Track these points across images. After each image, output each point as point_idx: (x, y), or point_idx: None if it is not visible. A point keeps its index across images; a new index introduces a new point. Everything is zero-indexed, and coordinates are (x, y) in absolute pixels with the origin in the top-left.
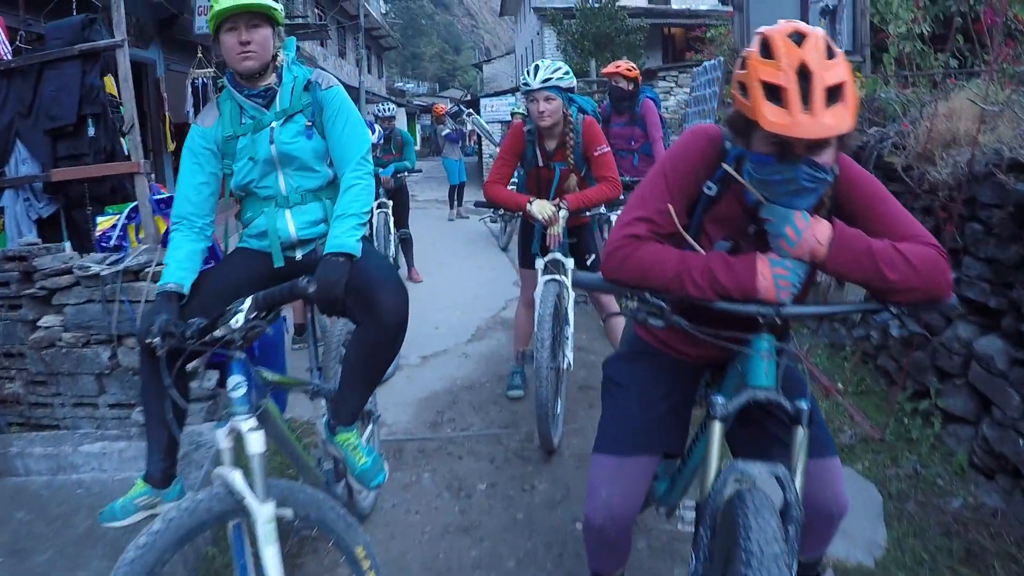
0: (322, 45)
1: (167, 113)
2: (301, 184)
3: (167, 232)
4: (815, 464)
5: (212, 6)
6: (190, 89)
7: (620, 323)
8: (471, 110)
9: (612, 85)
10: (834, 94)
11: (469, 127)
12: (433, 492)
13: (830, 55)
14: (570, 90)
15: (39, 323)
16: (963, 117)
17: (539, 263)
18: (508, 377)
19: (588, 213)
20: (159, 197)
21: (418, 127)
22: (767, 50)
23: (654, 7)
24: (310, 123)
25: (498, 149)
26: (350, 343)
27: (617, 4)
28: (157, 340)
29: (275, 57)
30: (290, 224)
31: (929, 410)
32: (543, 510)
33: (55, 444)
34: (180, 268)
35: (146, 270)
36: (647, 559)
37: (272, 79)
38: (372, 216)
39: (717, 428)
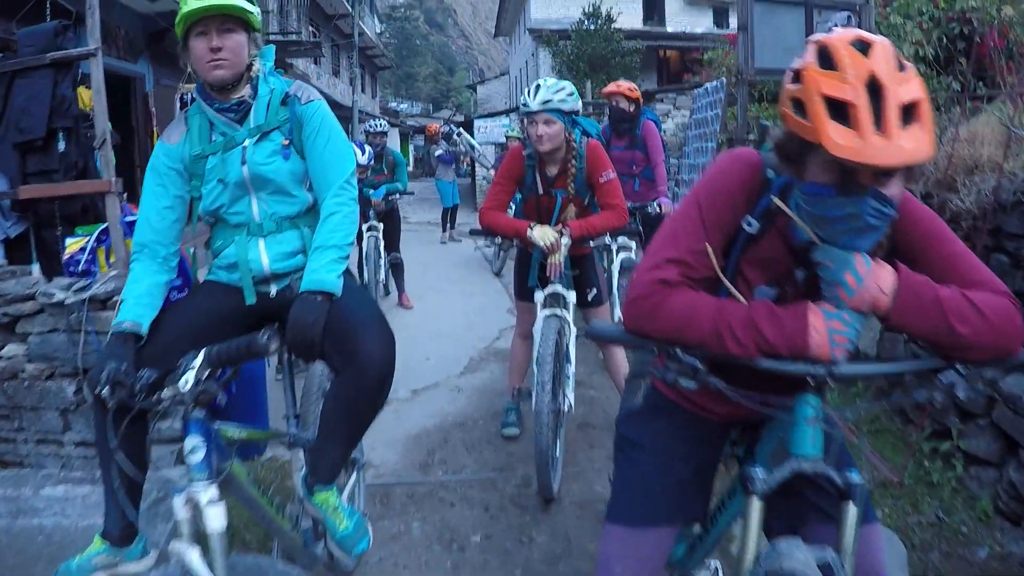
0: (316, 63)
1: (155, 129)
2: (276, 210)
3: None
4: None
5: (180, 7)
6: (179, 104)
7: (621, 356)
8: (460, 128)
9: (612, 106)
10: (909, 113)
11: (462, 148)
12: (423, 544)
13: (900, 67)
14: (574, 112)
15: (1, 352)
16: (986, 142)
17: (538, 296)
18: (503, 414)
19: (592, 243)
20: (132, 219)
21: (411, 147)
22: (828, 60)
23: (650, 29)
24: (287, 141)
25: (492, 171)
26: (328, 394)
27: (613, 26)
28: (106, 391)
29: (250, 67)
30: (263, 255)
31: (950, 452)
32: (542, 566)
33: (15, 485)
34: (139, 304)
35: (115, 298)
36: None
37: (246, 91)
38: (362, 240)
39: (757, 507)
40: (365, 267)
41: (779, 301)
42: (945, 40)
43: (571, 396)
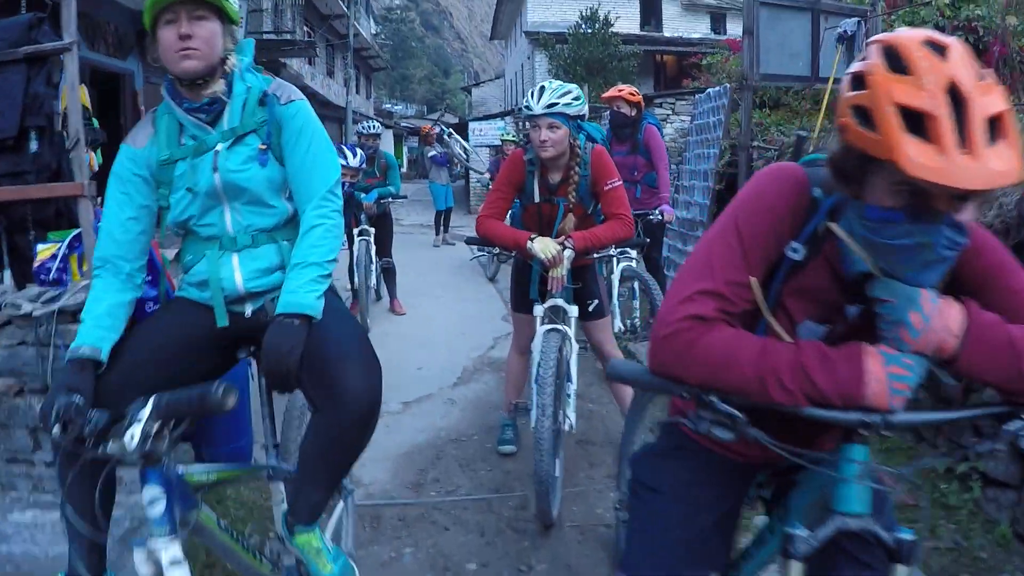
0: (310, 63)
1: None
2: (252, 222)
3: None
4: None
5: None
6: None
7: None
8: (450, 129)
9: (613, 111)
10: (994, 127)
11: (456, 149)
12: (415, 572)
13: (979, 74)
14: (579, 117)
15: None
16: None
17: (538, 310)
18: (499, 430)
19: (596, 255)
20: None
21: (405, 149)
22: (898, 63)
23: (646, 34)
24: (265, 146)
25: (486, 175)
26: (307, 430)
27: (610, 30)
28: (56, 430)
29: (224, 61)
30: (236, 272)
31: (967, 473)
32: None
33: None
34: (98, 327)
35: None
36: None
37: (219, 88)
38: (352, 244)
39: (798, 569)
40: (356, 272)
41: (828, 340)
42: None
43: (572, 416)
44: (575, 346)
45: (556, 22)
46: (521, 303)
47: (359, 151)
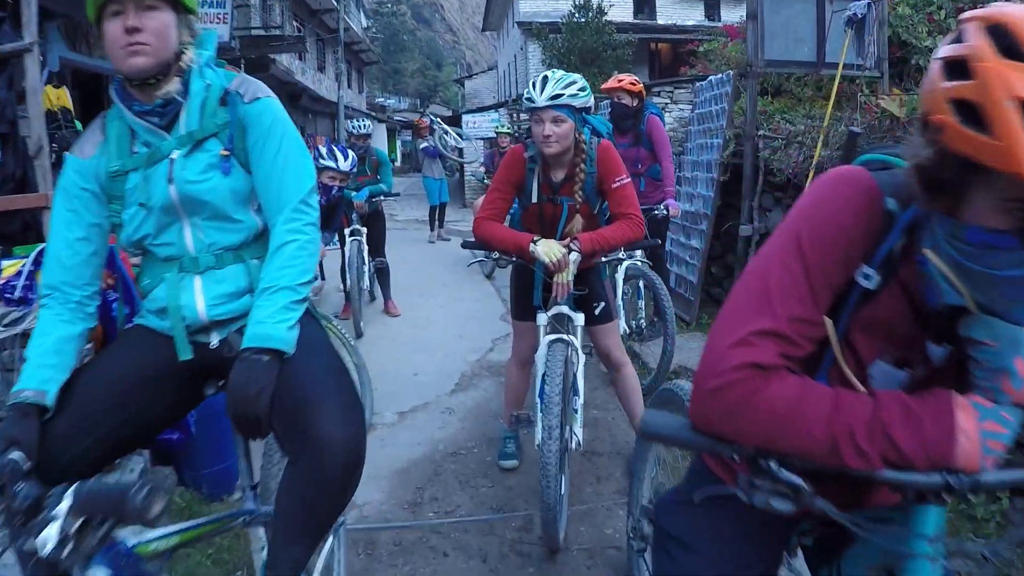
0: (300, 58)
1: None
2: (215, 239)
3: None
4: None
5: None
6: None
7: (632, 380)
8: (438, 119)
9: (614, 102)
10: None
11: (449, 141)
12: None
13: None
14: (585, 110)
15: None
16: None
17: (542, 318)
18: (499, 442)
19: (604, 258)
20: None
21: (399, 143)
22: (1013, 47)
23: (640, 22)
24: (227, 151)
25: (480, 168)
26: (282, 483)
27: (604, 19)
28: None
29: (180, 56)
30: (199, 298)
31: None
32: None
33: None
34: (44, 367)
35: None
36: None
37: (174, 87)
38: (344, 245)
39: None
40: (348, 274)
41: (906, 386)
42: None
43: (580, 432)
44: (582, 357)
45: (548, 11)
46: (522, 311)
47: (351, 153)
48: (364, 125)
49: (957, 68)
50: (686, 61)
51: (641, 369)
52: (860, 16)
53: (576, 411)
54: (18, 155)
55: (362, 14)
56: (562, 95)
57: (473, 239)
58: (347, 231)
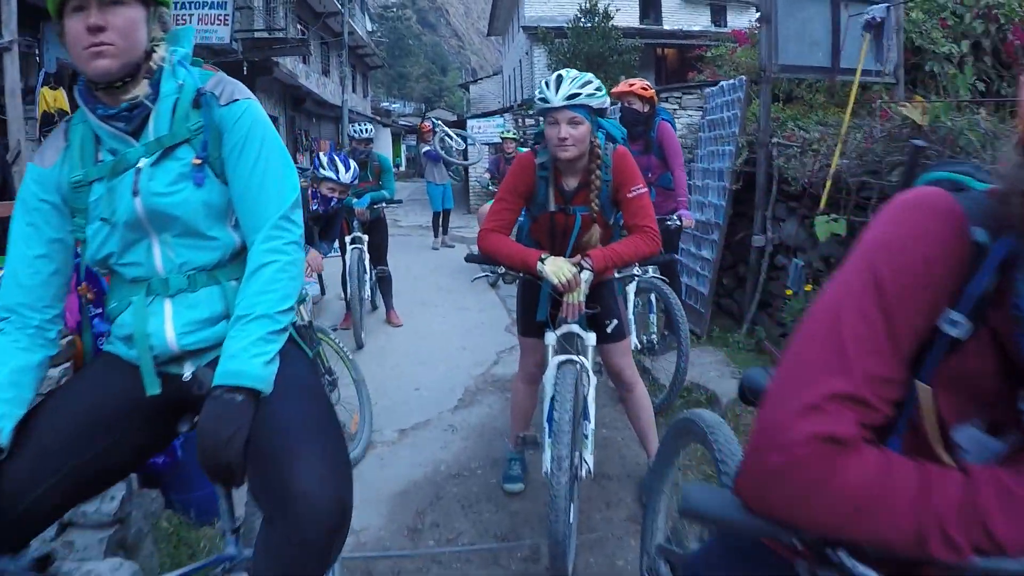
0: (304, 62)
1: None
2: (187, 259)
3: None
4: None
5: None
6: None
7: (644, 400)
8: (439, 120)
9: (624, 107)
10: None
11: (454, 145)
12: None
13: None
14: (601, 112)
15: None
16: None
17: (550, 338)
18: (504, 464)
19: (617, 275)
20: None
21: (403, 147)
22: None
23: (647, 27)
24: (200, 160)
25: (485, 173)
26: (258, 541)
27: (610, 23)
28: None
29: (150, 54)
30: (168, 325)
31: None
32: None
33: None
34: None
35: None
36: None
37: (142, 90)
38: (345, 253)
39: None
40: (348, 283)
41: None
42: (968, 37)
43: (590, 460)
44: (593, 379)
45: (554, 16)
46: (529, 327)
47: (352, 163)
48: (366, 129)
49: None
50: (693, 66)
51: (652, 385)
52: (879, 20)
53: (587, 437)
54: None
55: (367, 18)
56: (579, 94)
57: (477, 252)
58: (348, 238)
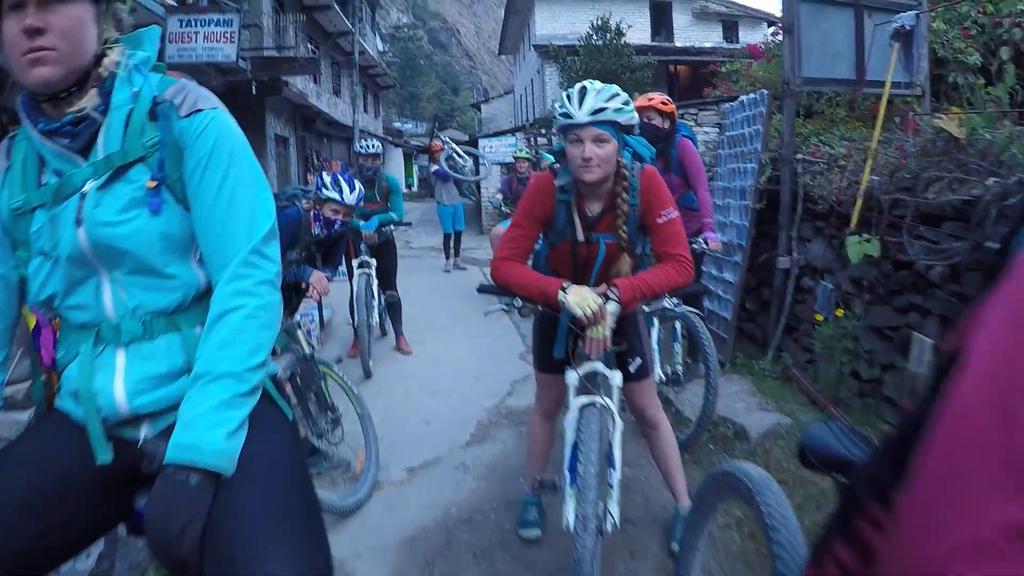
0: (315, 81)
1: None
2: (142, 301)
3: (37, 330)
4: None
5: None
6: None
7: (669, 439)
8: (447, 139)
9: (643, 123)
10: None
11: (460, 161)
12: None
13: None
14: (628, 128)
15: None
16: None
17: (571, 377)
18: (520, 507)
19: (646, 308)
20: None
21: (415, 167)
22: None
23: (658, 44)
24: (155, 182)
25: (497, 195)
26: None
27: (623, 40)
28: None
29: (100, 59)
30: (118, 382)
31: None
32: None
33: None
34: None
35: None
36: None
37: (90, 100)
38: (352, 277)
39: None
40: (356, 310)
41: None
42: (991, 47)
43: (616, 511)
44: (619, 423)
45: (565, 34)
46: (546, 363)
47: (356, 183)
48: (373, 144)
49: None
50: (706, 83)
51: (674, 418)
52: (908, 28)
53: (612, 486)
54: None
55: (378, 38)
56: (605, 109)
57: (490, 282)
58: (355, 262)
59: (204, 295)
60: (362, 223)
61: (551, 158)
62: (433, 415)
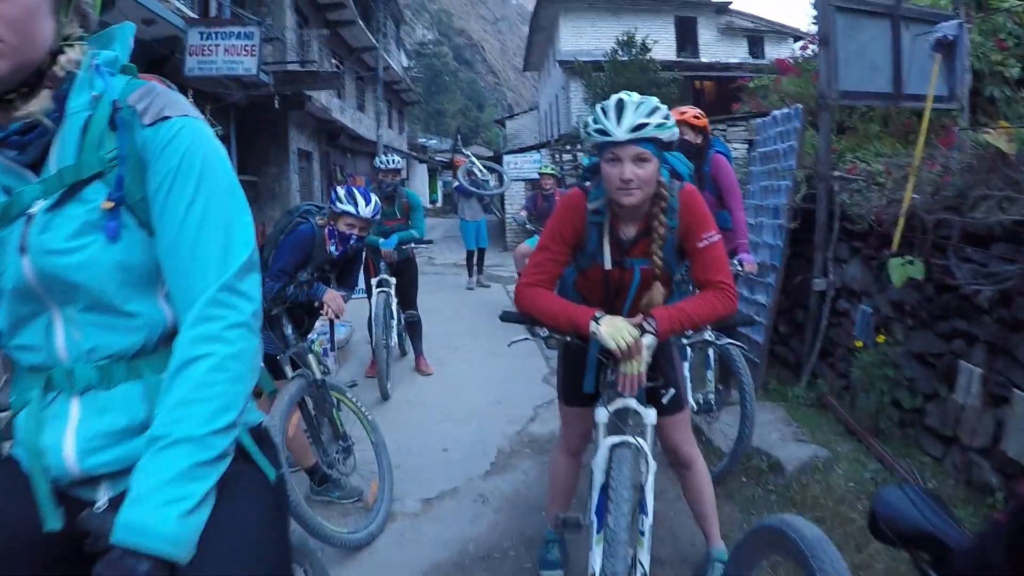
0: (339, 96)
1: None
2: (98, 343)
3: None
4: None
5: None
6: None
7: (704, 477)
8: (469, 153)
9: None
10: None
11: (480, 176)
12: None
13: None
14: (667, 145)
15: None
16: None
17: (601, 415)
18: (541, 545)
19: (686, 341)
20: None
21: (440, 183)
22: None
23: (684, 60)
24: (112, 203)
25: (521, 212)
26: None
27: (648, 56)
28: None
29: (56, 56)
30: (68, 438)
31: None
32: None
33: None
34: None
35: None
36: None
37: (41, 105)
38: (371, 296)
39: None
40: (374, 330)
41: None
42: None
43: (647, 561)
44: (652, 464)
45: (590, 50)
46: (573, 396)
47: (373, 197)
48: (393, 160)
49: None
50: (733, 98)
51: (706, 449)
52: (951, 39)
53: (643, 533)
54: None
55: (403, 54)
56: (646, 125)
57: (514, 311)
58: (374, 281)
59: (172, 336)
60: (381, 240)
61: (587, 160)
62: (452, 442)
